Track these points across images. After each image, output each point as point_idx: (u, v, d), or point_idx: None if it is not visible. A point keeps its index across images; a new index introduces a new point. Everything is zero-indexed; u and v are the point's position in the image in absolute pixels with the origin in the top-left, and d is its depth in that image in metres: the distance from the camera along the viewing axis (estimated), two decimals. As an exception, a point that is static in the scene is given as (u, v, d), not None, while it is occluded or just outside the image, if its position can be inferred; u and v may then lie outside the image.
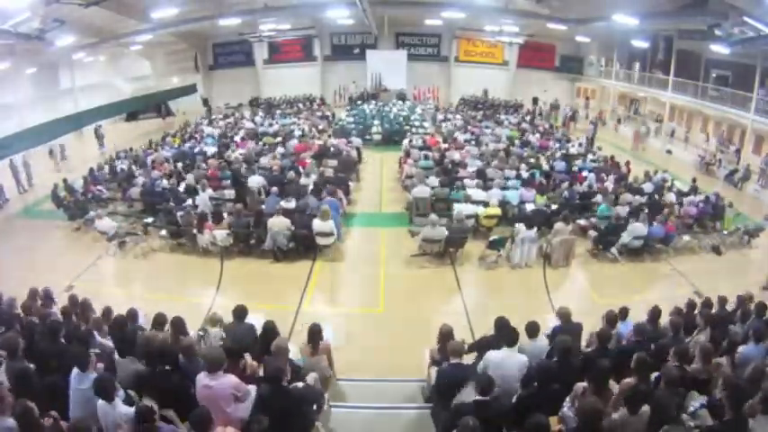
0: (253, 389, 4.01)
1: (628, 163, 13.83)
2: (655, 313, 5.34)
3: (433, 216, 8.79)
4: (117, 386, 3.58)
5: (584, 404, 3.43)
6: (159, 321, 5.06)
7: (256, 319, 5.28)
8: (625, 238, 8.94)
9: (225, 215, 9.36)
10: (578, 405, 3.56)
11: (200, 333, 5.09)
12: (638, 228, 8.92)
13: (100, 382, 3.53)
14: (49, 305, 5.83)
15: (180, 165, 13.08)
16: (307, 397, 4.11)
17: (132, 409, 3.48)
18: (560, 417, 3.80)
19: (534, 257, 8.80)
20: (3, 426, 3.22)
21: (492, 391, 3.75)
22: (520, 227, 8.72)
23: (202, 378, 3.82)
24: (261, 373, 4.37)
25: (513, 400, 4.07)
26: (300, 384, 4.22)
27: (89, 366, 3.78)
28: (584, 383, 3.85)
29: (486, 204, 9.91)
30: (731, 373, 3.94)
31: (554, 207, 10.17)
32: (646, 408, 3.45)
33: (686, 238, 9.66)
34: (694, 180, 12.54)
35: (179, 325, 4.93)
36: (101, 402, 3.51)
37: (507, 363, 4.27)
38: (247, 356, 4.54)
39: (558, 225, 8.76)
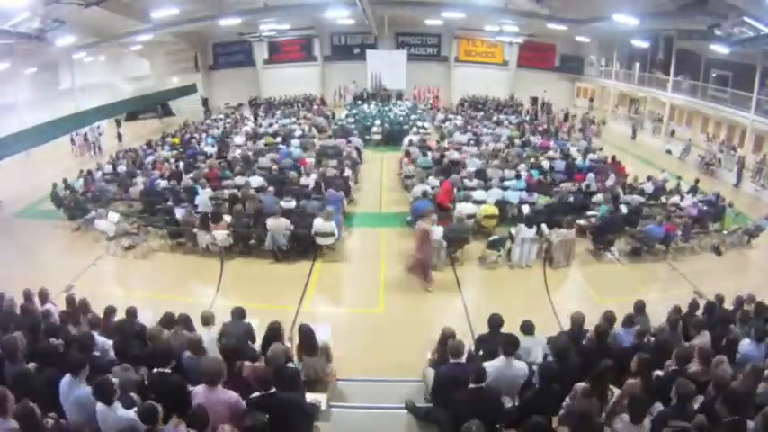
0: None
1: (617, 162, 13.87)
2: (639, 307, 5.56)
3: (434, 216, 8.76)
4: (116, 390, 3.51)
5: (575, 407, 3.42)
6: (167, 320, 5.06)
7: (253, 320, 5.31)
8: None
9: (226, 217, 9.32)
10: (572, 407, 3.54)
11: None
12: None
13: (99, 386, 3.44)
14: (44, 305, 5.82)
15: (181, 164, 13.08)
16: (301, 404, 4.06)
17: (132, 413, 3.44)
18: (561, 417, 3.80)
19: (534, 257, 8.79)
20: (5, 427, 3.20)
21: (484, 379, 3.80)
22: (520, 226, 8.72)
23: (201, 392, 3.68)
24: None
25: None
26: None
27: (81, 374, 3.72)
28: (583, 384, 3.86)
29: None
30: (724, 376, 3.91)
31: (552, 203, 10.18)
32: (647, 420, 3.43)
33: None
34: (697, 181, 12.54)
35: (186, 322, 4.93)
36: (100, 406, 3.45)
37: (504, 374, 4.15)
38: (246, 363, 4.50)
39: (561, 231, 8.74)
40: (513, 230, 8.81)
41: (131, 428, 3.25)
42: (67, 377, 3.71)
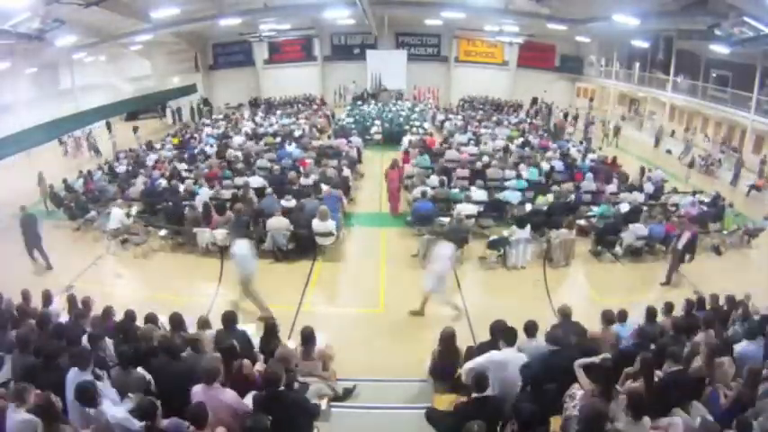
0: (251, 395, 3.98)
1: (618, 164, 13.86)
2: (651, 313, 5.40)
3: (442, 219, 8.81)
4: (100, 391, 3.52)
5: (586, 406, 3.42)
6: (151, 320, 5.08)
7: (249, 327, 5.28)
8: (628, 238, 8.94)
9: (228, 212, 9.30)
10: (581, 407, 3.54)
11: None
12: (638, 228, 8.92)
13: (80, 390, 3.43)
14: (47, 306, 5.82)
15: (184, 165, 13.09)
16: (304, 403, 4.07)
17: (123, 410, 3.46)
18: (564, 418, 3.79)
19: (529, 258, 8.77)
20: (19, 418, 3.31)
21: (487, 386, 3.77)
22: (513, 227, 8.72)
23: (199, 392, 3.68)
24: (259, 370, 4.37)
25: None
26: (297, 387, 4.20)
27: (88, 365, 3.77)
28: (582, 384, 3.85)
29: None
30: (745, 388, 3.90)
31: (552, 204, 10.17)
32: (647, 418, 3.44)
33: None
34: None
35: (177, 322, 4.93)
36: (87, 410, 3.46)
37: (510, 364, 4.18)
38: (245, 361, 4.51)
39: (561, 231, 8.75)
40: (506, 232, 8.79)
41: (122, 428, 3.27)
42: (74, 370, 3.76)
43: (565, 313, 5.25)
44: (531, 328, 4.68)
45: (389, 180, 11.02)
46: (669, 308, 5.78)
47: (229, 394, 3.73)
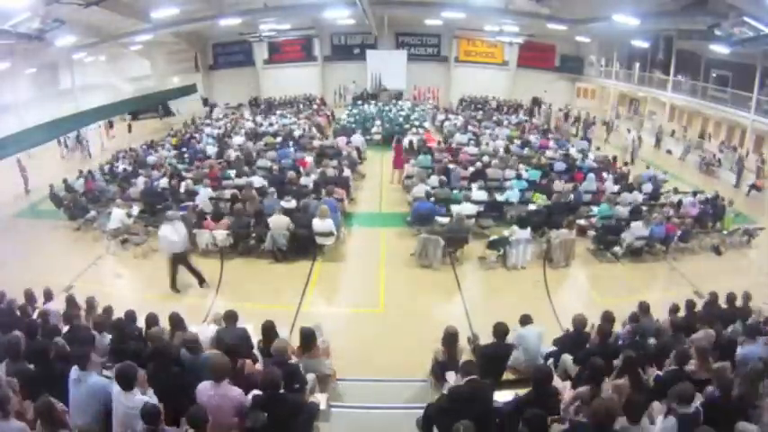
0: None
1: (626, 164, 13.88)
2: (644, 308, 5.56)
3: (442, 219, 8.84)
4: (137, 376, 3.58)
5: (597, 404, 3.34)
6: (151, 322, 5.05)
7: (248, 325, 5.26)
8: (628, 238, 8.94)
9: (225, 218, 9.29)
10: (591, 406, 3.45)
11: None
12: (638, 228, 8.92)
13: (122, 370, 3.52)
14: (48, 301, 5.83)
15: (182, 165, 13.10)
16: (303, 404, 4.07)
17: (147, 398, 3.51)
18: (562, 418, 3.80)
19: (529, 258, 8.77)
20: (8, 428, 3.25)
21: (474, 372, 3.89)
22: (513, 228, 8.72)
23: (207, 388, 3.71)
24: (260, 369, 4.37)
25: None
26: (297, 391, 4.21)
27: (89, 365, 3.77)
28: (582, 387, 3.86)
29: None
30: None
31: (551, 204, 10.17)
32: (646, 420, 3.42)
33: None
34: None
35: (177, 321, 4.93)
36: (117, 391, 3.51)
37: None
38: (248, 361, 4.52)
39: (562, 231, 8.75)
40: (506, 232, 8.78)
41: (153, 407, 3.31)
42: (75, 370, 3.74)
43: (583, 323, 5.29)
44: (524, 320, 5.34)
45: (395, 152, 13.40)
46: (675, 309, 5.76)
47: (236, 392, 3.78)
